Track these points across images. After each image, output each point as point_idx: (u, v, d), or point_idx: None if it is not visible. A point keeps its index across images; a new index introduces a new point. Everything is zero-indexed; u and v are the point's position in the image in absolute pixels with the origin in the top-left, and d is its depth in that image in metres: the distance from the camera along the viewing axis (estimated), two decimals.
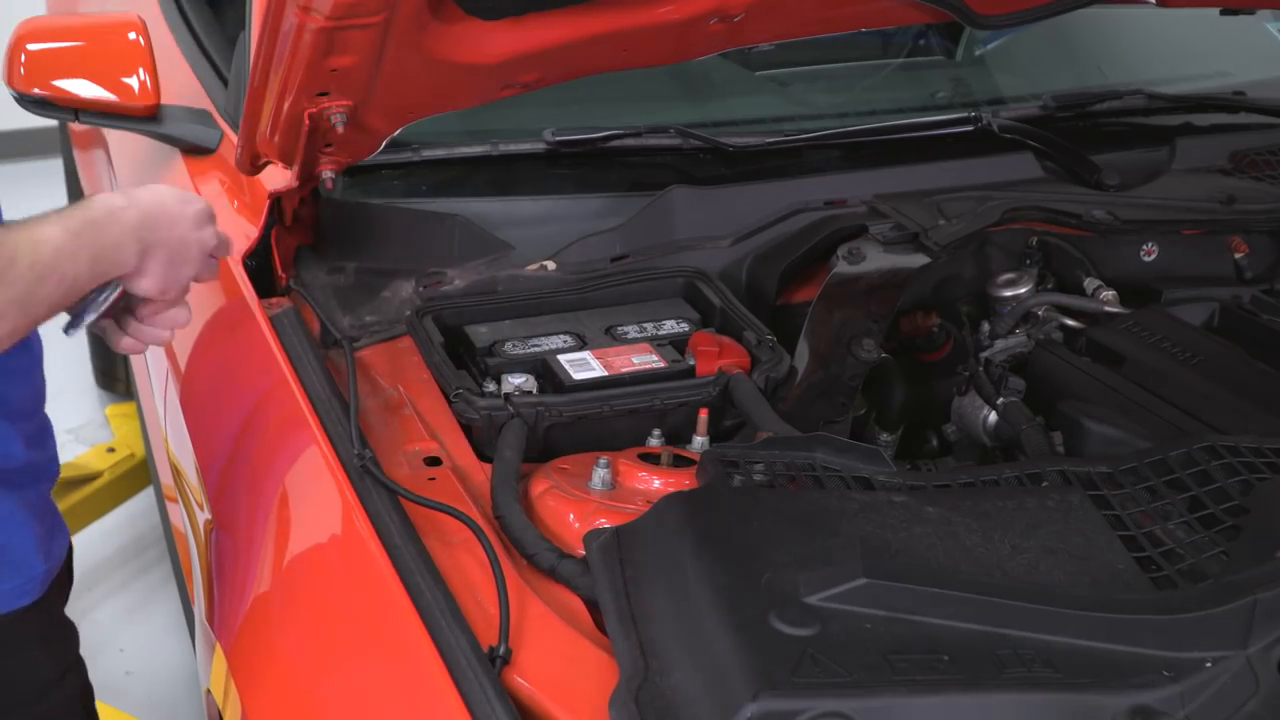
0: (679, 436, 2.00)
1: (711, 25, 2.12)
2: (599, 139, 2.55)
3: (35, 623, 1.86)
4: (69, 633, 1.99)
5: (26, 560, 1.83)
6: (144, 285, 1.73)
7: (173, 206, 1.77)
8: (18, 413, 1.81)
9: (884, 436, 2.37)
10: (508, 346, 2.10)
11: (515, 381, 2.00)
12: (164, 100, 2.65)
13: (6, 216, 1.68)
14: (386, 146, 2.20)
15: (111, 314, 1.79)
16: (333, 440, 1.86)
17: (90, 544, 3.78)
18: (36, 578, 1.84)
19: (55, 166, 4.90)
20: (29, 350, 1.80)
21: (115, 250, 1.67)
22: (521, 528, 1.72)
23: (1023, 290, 2.38)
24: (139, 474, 3.92)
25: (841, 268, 2.28)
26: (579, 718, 1.49)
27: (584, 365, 2.06)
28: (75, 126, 3.96)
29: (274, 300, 2.25)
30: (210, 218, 1.82)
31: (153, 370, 2.71)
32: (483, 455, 1.92)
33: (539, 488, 1.83)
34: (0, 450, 1.78)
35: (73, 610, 1.98)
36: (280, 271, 2.29)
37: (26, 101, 2.56)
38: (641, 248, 2.38)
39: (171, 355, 2.50)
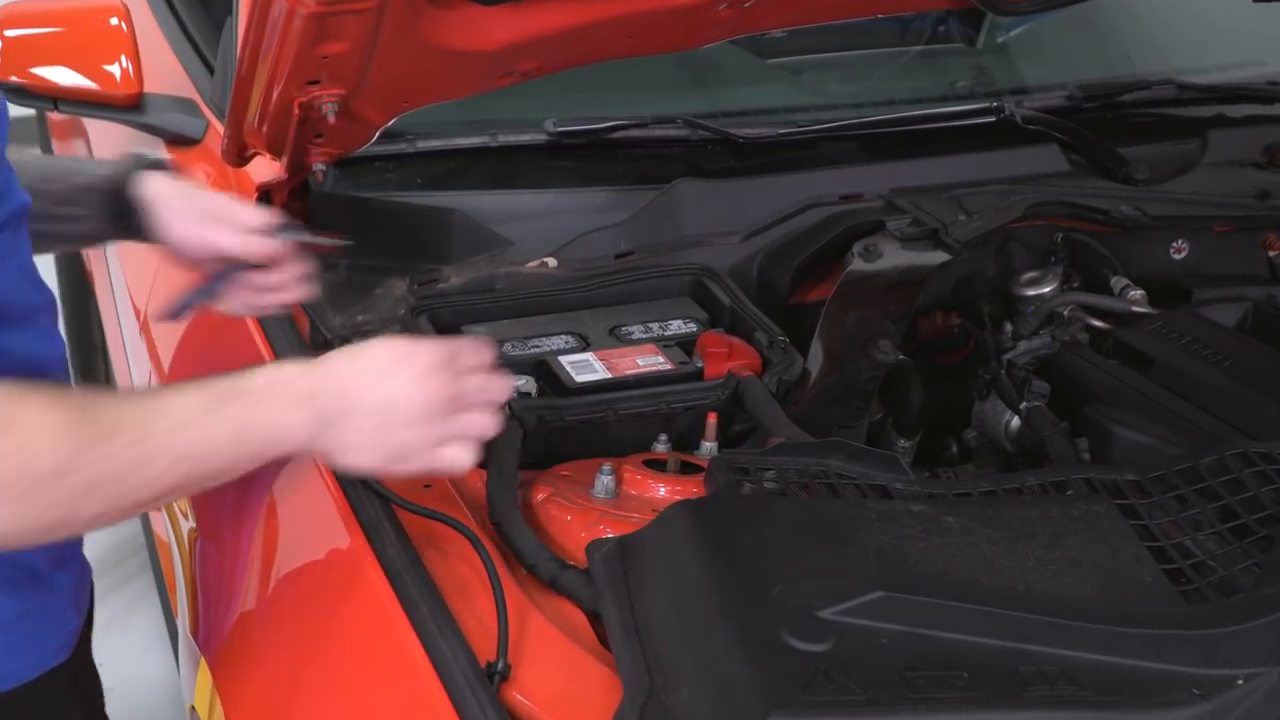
0: (686, 442, 2.00)
1: (721, 10, 2.12)
2: (603, 130, 2.55)
3: (64, 676, 1.76)
4: (96, 681, 1.90)
5: (63, 615, 1.76)
6: (351, 460, 1.60)
7: (377, 364, 1.61)
8: None
9: (901, 442, 2.37)
10: (507, 347, 2.10)
11: (515, 384, 2.00)
12: (147, 89, 2.66)
13: None
14: (380, 137, 2.20)
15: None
16: None
17: None
18: (72, 631, 1.78)
19: None
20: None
21: (270, 426, 1.54)
22: (521, 536, 1.72)
23: (1047, 289, 2.38)
24: None
25: (857, 265, 2.28)
26: None
27: (587, 367, 2.06)
28: (54, 116, 3.97)
29: None
30: (443, 365, 1.62)
31: (135, 369, 2.72)
32: (480, 461, 1.92)
33: (539, 495, 1.83)
34: None
35: None
36: None
37: (2, 89, 2.57)
38: (647, 244, 2.38)
39: (154, 354, 2.51)
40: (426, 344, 1.65)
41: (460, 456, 1.63)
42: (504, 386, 1.70)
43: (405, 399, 1.59)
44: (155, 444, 1.46)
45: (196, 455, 1.49)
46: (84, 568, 1.80)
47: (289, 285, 1.92)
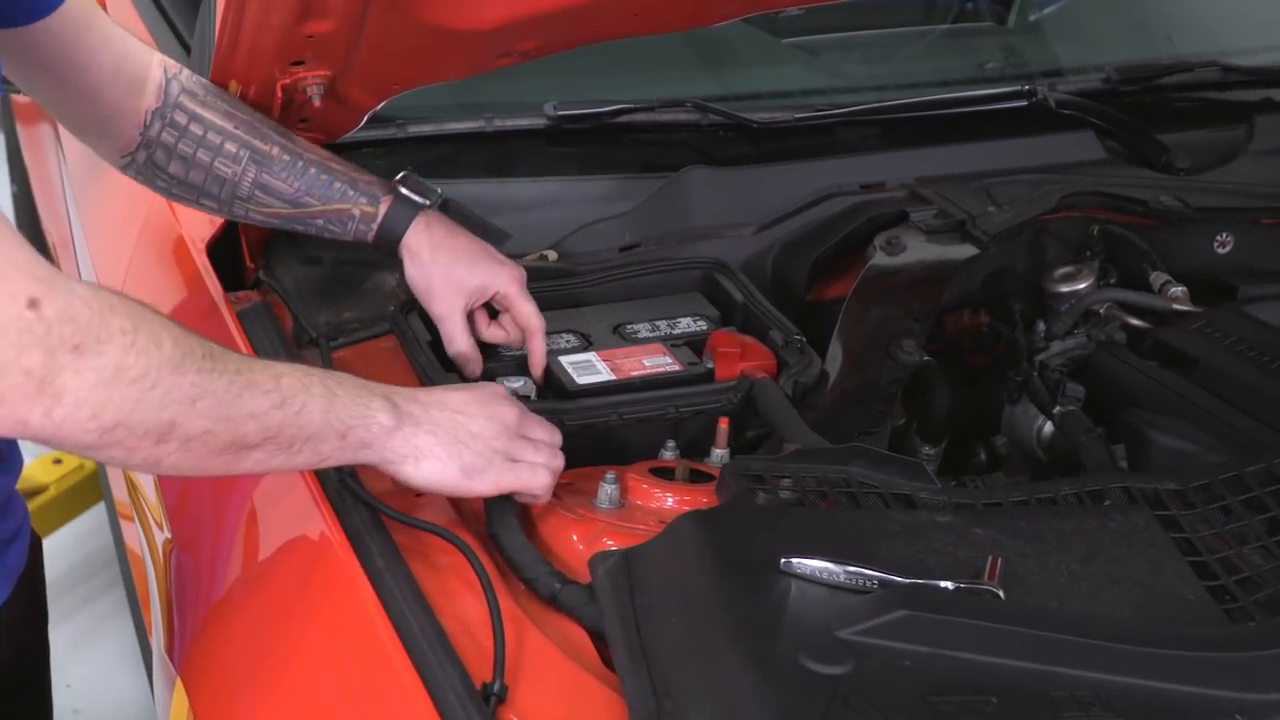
0: (696, 448, 2.00)
1: None
2: (607, 114, 2.55)
3: None
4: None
5: None
6: (428, 470, 1.70)
7: (443, 387, 1.81)
8: None
9: (926, 449, 2.37)
10: (503, 347, 2.10)
11: (512, 385, 2.01)
12: None
13: None
14: (368, 122, 2.20)
15: None
16: None
17: None
18: None
19: None
20: None
21: (356, 403, 1.65)
22: (519, 548, 1.72)
23: (1082, 286, 2.38)
24: (89, 488, 3.92)
25: (879, 259, 2.28)
26: None
27: (589, 368, 2.06)
28: (18, 98, 3.97)
29: (241, 294, 2.26)
30: (507, 397, 1.82)
31: None
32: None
33: (539, 505, 1.83)
34: None
35: None
36: (249, 261, 2.30)
37: None
38: (654, 236, 2.38)
39: None
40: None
41: (538, 476, 1.76)
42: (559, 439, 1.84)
43: (477, 408, 1.75)
44: (259, 377, 1.57)
45: (295, 405, 1.58)
46: None
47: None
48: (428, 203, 2.06)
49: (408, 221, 2.05)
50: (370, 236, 2.06)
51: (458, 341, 2.04)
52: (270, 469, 1.61)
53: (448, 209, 2.15)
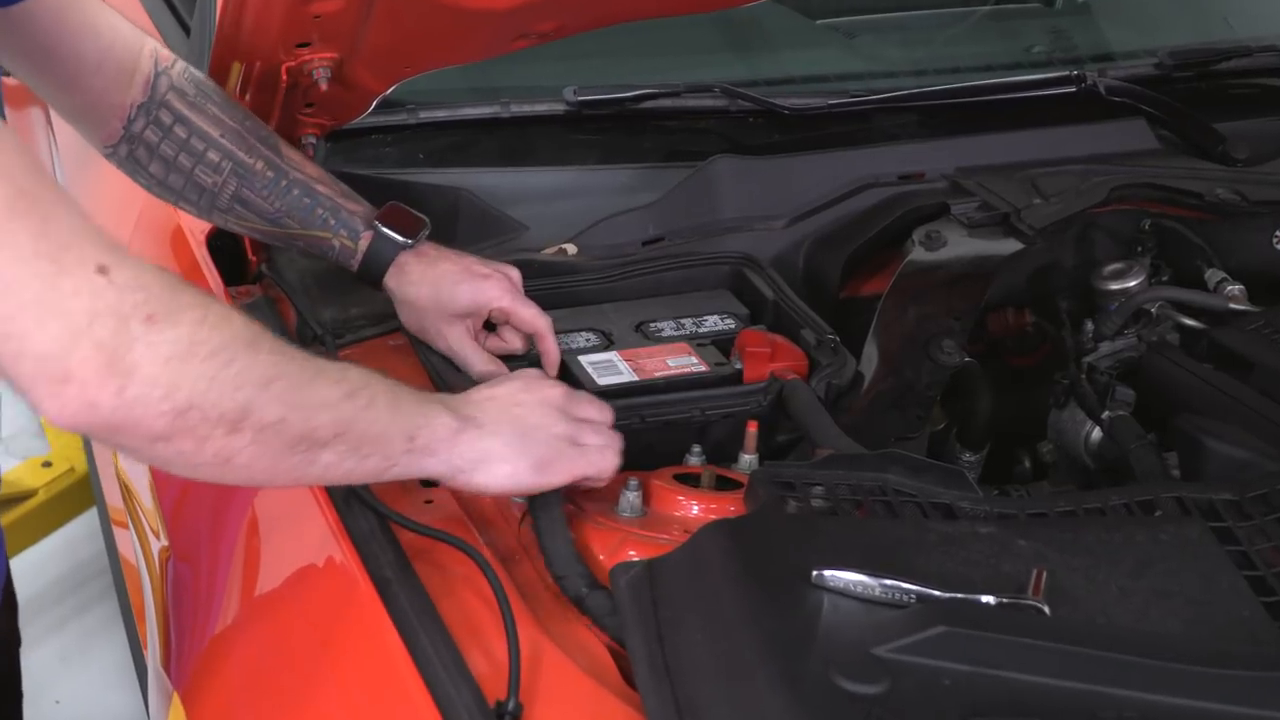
0: (723, 453, 2.00)
1: None
2: (630, 99, 2.55)
3: None
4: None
5: None
6: (499, 471, 1.72)
7: (502, 385, 1.83)
8: None
9: (967, 455, 2.37)
10: None
11: None
12: None
13: None
14: (377, 107, 2.21)
15: None
16: None
17: (21, 575, 3.78)
18: None
19: None
20: None
21: (418, 407, 1.67)
22: (556, 535, 1.73)
23: (1133, 283, 2.37)
24: (80, 493, 3.93)
25: (918, 254, 2.28)
26: None
27: (610, 368, 2.06)
28: (8, 81, 3.98)
29: (243, 288, 2.27)
30: (566, 398, 1.84)
31: None
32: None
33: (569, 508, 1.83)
34: None
35: None
36: (250, 254, 2.30)
37: None
38: (679, 229, 2.38)
39: None
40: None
41: (606, 458, 1.80)
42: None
43: (527, 395, 1.80)
44: (327, 366, 1.59)
45: (363, 398, 1.59)
46: None
47: None
48: (410, 242, 2.06)
49: (387, 263, 2.06)
50: (353, 268, 2.08)
51: (475, 365, 2.04)
52: (337, 477, 1.61)
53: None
